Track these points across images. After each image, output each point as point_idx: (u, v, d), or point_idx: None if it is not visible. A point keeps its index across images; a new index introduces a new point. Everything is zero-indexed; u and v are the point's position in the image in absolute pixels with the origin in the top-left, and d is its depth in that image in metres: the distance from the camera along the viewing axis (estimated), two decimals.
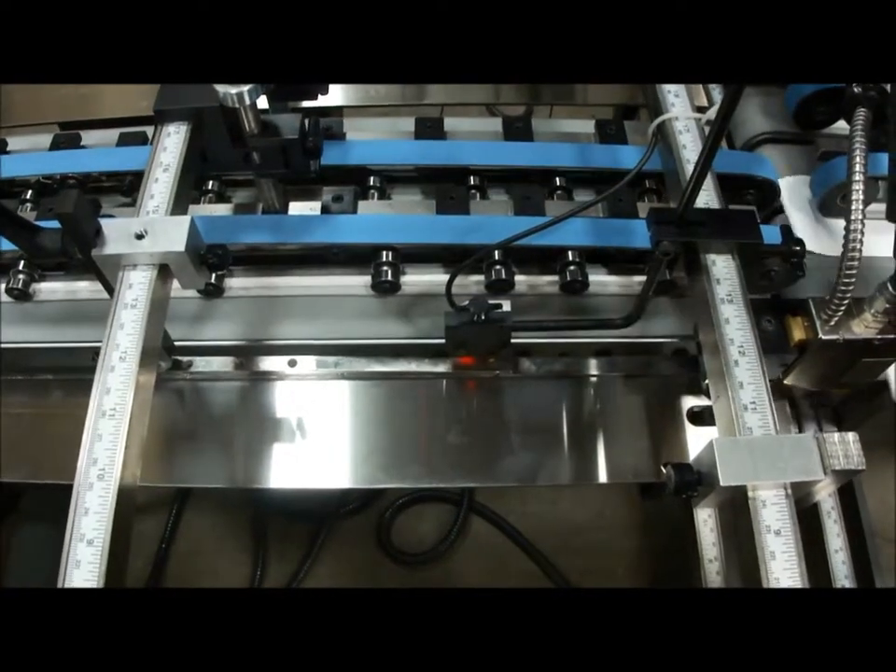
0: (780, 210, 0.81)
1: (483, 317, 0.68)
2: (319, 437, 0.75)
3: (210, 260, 0.63)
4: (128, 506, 0.54)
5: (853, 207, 0.64)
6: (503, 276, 0.75)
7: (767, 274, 0.77)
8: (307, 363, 0.76)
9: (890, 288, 0.64)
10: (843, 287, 0.64)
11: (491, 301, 0.68)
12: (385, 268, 0.75)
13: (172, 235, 0.61)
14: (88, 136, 0.87)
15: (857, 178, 0.65)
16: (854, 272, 0.64)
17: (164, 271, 0.62)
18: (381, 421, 0.76)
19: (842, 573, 0.90)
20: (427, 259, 0.77)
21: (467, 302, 0.68)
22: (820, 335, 0.67)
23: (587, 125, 0.87)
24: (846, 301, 0.65)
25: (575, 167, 0.81)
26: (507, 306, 0.69)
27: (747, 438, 0.54)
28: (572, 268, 0.76)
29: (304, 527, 1.42)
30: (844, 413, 0.91)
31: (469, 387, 0.77)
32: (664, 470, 0.56)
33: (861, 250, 0.64)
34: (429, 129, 0.84)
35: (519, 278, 0.77)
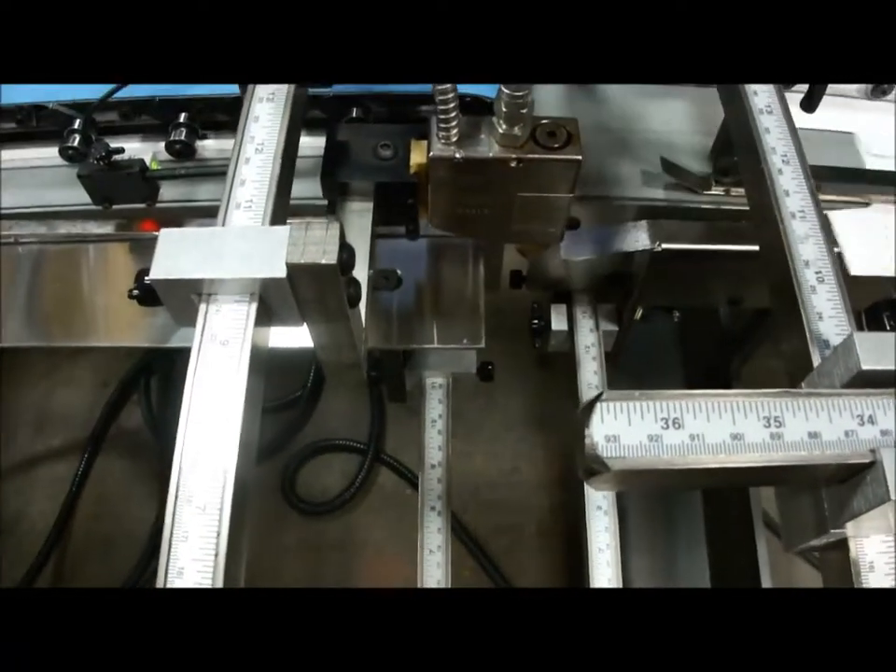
0: None
1: (106, 163, 0.65)
2: None
3: None
4: None
5: None
6: (182, 138, 0.72)
7: None
8: None
9: (503, 87, 0.54)
10: (441, 86, 0.54)
11: (114, 146, 0.65)
12: (75, 135, 0.74)
13: None
14: None
15: None
16: None
17: None
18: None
19: (604, 577, 0.74)
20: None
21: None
22: (431, 152, 0.58)
23: None
24: (452, 112, 0.55)
25: None
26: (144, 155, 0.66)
27: (204, 229, 0.46)
28: None
29: None
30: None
31: None
32: None
33: None
34: None
35: (209, 143, 0.74)
